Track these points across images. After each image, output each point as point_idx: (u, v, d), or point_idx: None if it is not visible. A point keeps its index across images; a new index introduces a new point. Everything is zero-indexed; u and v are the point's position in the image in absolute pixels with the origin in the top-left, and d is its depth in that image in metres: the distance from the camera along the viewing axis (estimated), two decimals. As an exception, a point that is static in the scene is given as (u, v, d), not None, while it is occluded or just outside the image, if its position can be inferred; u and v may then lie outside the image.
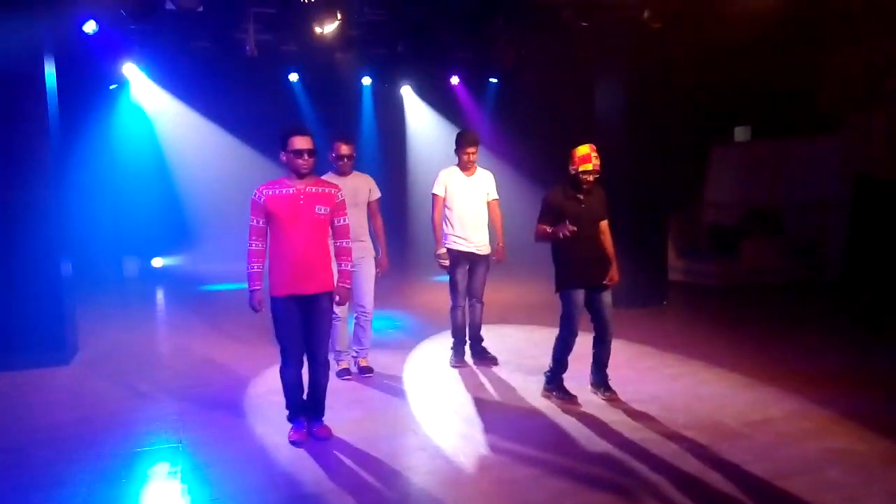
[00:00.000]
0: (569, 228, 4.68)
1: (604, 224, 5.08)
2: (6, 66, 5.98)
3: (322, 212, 4.26)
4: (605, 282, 4.99)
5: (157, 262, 12.76)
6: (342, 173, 5.58)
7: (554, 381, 5.11)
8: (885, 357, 6.14)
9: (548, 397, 5.11)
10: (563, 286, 4.96)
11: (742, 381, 5.51)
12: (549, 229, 4.85)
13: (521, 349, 6.59)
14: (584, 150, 4.80)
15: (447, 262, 5.88)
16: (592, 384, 5.15)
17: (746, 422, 4.59)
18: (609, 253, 5.09)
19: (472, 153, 5.80)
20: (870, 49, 9.60)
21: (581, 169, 4.79)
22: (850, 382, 5.42)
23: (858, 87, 9.94)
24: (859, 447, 4.16)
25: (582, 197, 4.89)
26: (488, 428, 4.62)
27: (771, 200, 11.27)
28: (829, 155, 10.48)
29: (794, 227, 10.79)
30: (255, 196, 4.21)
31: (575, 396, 5.01)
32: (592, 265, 4.95)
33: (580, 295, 4.92)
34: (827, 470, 3.86)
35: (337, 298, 4.38)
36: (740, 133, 12.60)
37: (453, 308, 6.00)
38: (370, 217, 5.78)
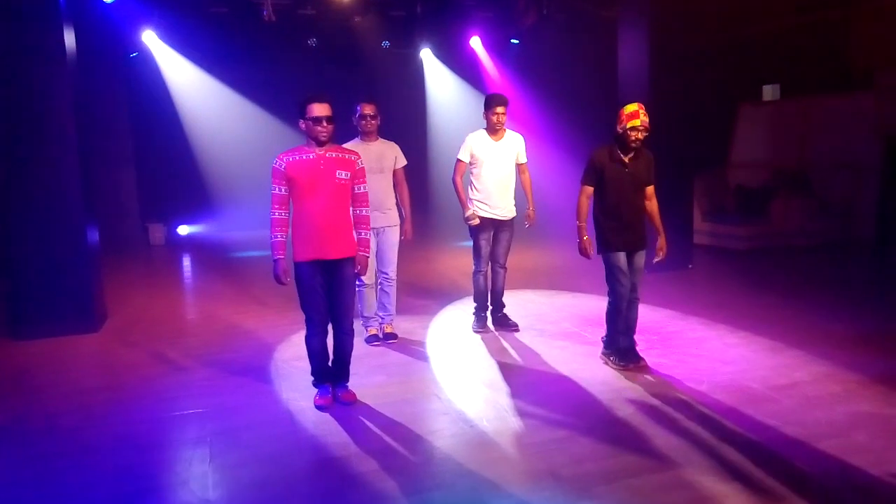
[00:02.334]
0: (587, 253, 4.88)
1: (649, 190, 5.01)
2: (26, 36, 5.98)
3: (343, 177, 4.25)
4: (654, 259, 4.98)
5: (183, 229, 12.88)
6: (367, 133, 5.57)
7: (611, 346, 5.09)
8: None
9: (605, 362, 5.10)
10: (606, 249, 4.92)
11: (768, 344, 5.46)
12: (584, 237, 4.95)
13: (543, 314, 6.58)
14: (632, 107, 4.71)
15: (478, 221, 5.85)
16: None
17: (772, 386, 4.56)
18: (655, 220, 5.05)
19: (502, 114, 5.72)
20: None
21: (629, 125, 4.69)
22: (879, 345, 5.35)
23: (890, 45, 9.61)
24: (887, 410, 4.11)
25: (628, 161, 4.81)
26: (510, 392, 4.63)
27: (800, 160, 11.02)
28: (860, 114, 10.19)
29: (823, 187, 10.55)
30: (275, 164, 4.21)
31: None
32: (633, 230, 4.90)
33: (622, 257, 4.89)
34: (854, 433, 3.82)
35: (358, 268, 4.40)
36: (769, 91, 12.30)
37: (475, 273, 5.99)
38: (396, 185, 5.76)
